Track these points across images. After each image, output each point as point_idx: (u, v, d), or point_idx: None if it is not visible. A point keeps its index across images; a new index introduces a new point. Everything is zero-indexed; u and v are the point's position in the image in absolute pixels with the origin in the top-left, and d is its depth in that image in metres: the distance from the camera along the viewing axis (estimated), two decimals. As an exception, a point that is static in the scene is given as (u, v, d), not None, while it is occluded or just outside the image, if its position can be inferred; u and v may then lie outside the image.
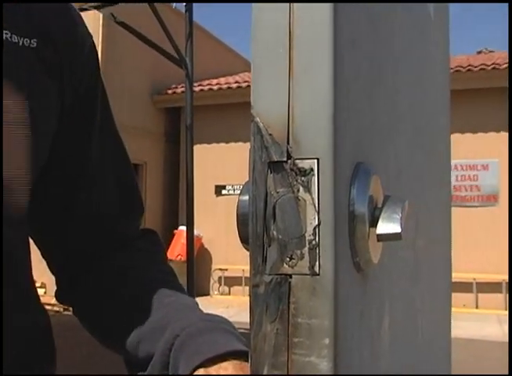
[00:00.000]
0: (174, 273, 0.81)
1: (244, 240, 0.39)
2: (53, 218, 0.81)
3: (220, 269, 10.16)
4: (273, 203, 0.34)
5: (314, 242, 0.33)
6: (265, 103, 0.35)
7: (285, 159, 0.34)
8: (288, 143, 0.34)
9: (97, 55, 0.83)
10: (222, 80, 10.85)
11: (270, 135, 0.34)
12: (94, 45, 0.82)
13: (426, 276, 0.79)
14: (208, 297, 9.94)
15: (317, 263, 0.33)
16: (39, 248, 0.83)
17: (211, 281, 10.38)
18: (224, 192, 10.43)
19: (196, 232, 5.85)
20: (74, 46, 0.78)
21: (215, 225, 10.13)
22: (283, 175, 0.34)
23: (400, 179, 0.63)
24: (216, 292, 10.26)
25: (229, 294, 10.16)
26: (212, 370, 0.61)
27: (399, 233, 0.38)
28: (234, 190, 10.29)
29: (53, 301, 7.91)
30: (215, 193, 10.50)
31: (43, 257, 0.83)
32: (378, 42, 0.51)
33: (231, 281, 10.19)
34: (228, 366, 0.61)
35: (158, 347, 0.67)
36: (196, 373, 0.61)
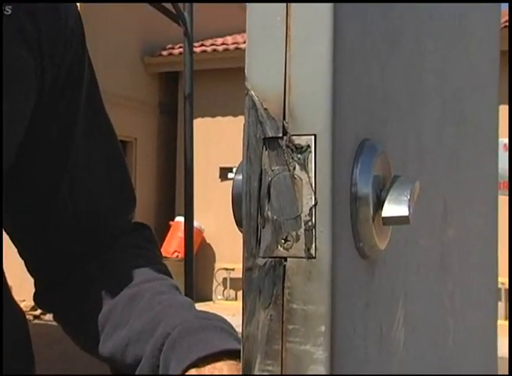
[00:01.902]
0: (168, 272, 0.87)
1: (239, 222, 0.44)
2: (35, 211, 0.86)
3: (225, 269, 10.25)
4: (268, 181, 0.39)
5: (310, 223, 0.38)
6: (260, 76, 0.40)
7: (280, 135, 0.39)
8: (284, 118, 0.39)
9: (82, 26, 0.88)
10: (229, 39, 10.87)
11: (265, 109, 0.39)
12: (79, 15, 0.87)
13: (458, 272, 0.83)
14: (210, 302, 10.05)
15: (313, 245, 0.38)
16: (17, 247, 0.89)
17: (214, 283, 10.48)
18: (230, 176, 10.48)
19: (196, 224, 5.93)
20: (56, 18, 0.83)
21: (219, 215, 10.20)
22: (278, 152, 0.39)
23: (423, 159, 0.68)
24: (220, 297, 10.37)
25: (236, 299, 10.26)
26: (205, 370, 0.67)
27: (407, 217, 0.43)
28: (243, 174, 10.32)
29: (21, 306, 8.01)
30: (220, 176, 10.58)
31: (21, 256, 0.89)
32: (394, 4, 0.55)
33: (238, 284, 10.27)
34: (223, 367, 0.66)
35: (147, 349, 0.73)
36: (188, 373, 0.67)
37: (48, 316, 0.93)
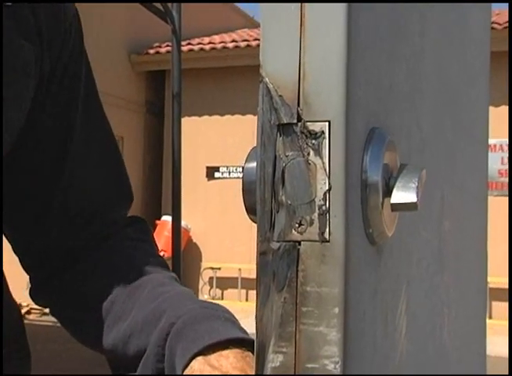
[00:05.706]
0: (166, 264, 0.88)
1: (250, 210, 0.45)
2: (31, 204, 0.87)
3: (211, 268, 10.26)
4: (282, 167, 0.40)
5: (324, 207, 0.39)
6: (274, 63, 0.40)
7: (295, 121, 0.40)
8: (299, 105, 0.40)
9: (80, 23, 0.89)
10: (217, 38, 10.88)
11: (280, 96, 0.40)
12: (77, 12, 0.89)
13: (452, 266, 0.84)
14: (197, 302, 10.04)
15: (327, 229, 0.39)
16: (11, 242, 0.89)
17: (201, 283, 10.49)
18: (217, 175, 10.50)
19: (183, 223, 5.93)
20: (55, 11, 0.84)
21: (206, 215, 10.21)
22: (292, 138, 0.40)
23: (424, 150, 0.69)
24: (206, 296, 10.37)
25: (222, 298, 10.27)
26: (212, 358, 0.68)
27: (415, 203, 0.44)
28: (229, 173, 10.35)
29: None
30: (207, 176, 10.58)
31: (15, 252, 0.89)
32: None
33: (224, 283, 10.30)
34: (229, 355, 0.67)
35: (152, 339, 0.74)
36: (194, 361, 0.68)
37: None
